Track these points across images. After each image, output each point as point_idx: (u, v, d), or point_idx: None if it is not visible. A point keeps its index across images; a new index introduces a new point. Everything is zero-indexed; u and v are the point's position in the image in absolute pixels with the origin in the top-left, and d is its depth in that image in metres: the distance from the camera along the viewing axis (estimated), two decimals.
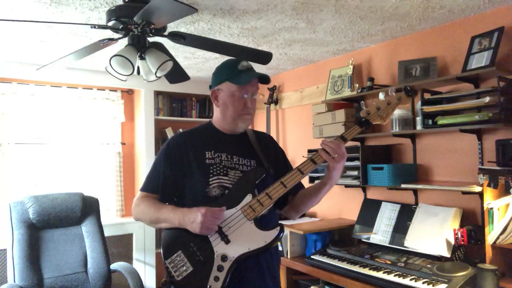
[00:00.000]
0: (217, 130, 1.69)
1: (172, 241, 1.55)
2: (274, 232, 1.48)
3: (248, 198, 1.52)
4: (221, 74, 1.63)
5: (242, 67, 1.60)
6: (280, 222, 1.58)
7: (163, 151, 1.66)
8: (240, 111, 1.60)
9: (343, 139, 1.53)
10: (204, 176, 1.57)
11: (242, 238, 1.48)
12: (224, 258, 1.46)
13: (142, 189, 1.67)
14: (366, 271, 2.35)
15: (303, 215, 3.50)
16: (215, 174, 1.57)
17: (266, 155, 1.69)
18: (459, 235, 2.20)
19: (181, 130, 2.98)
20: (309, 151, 3.25)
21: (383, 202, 2.80)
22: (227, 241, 1.48)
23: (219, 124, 1.68)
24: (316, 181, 1.83)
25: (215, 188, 1.55)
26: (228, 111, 1.61)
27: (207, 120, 1.77)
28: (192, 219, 1.45)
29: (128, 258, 3.81)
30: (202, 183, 1.56)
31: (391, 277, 2.22)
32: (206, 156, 1.60)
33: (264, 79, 1.63)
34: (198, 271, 1.48)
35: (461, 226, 2.32)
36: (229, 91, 1.59)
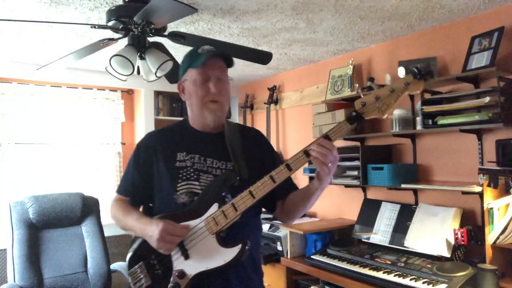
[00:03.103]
0: (192, 129, 1.53)
1: (136, 251, 1.45)
2: (234, 251, 1.31)
3: (214, 208, 1.35)
4: (184, 63, 1.49)
5: (202, 50, 1.42)
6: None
7: (133, 153, 1.55)
8: (203, 98, 1.43)
9: (328, 138, 1.29)
10: (172, 181, 1.43)
11: (202, 255, 1.34)
12: (181, 275, 1.33)
13: (116, 191, 1.58)
14: (366, 271, 2.35)
15: (303, 215, 3.50)
16: (184, 178, 1.43)
17: (249, 156, 1.50)
18: (459, 235, 2.20)
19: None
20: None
21: (383, 202, 2.80)
22: (186, 256, 1.35)
23: (193, 121, 1.53)
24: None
25: (183, 195, 1.41)
26: (193, 102, 1.46)
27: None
28: (151, 233, 1.33)
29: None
30: (169, 188, 1.43)
31: (391, 277, 2.22)
32: (177, 158, 1.46)
33: (226, 58, 1.46)
34: (155, 286, 1.38)
35: (461, 226, 2.32)
36: (191, 78, 1.44)
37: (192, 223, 1.36)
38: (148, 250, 1.39)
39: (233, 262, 1.32)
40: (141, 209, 1.57)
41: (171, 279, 1.35)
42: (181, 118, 4.23)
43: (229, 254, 1.32)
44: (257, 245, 1.60)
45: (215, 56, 1.44)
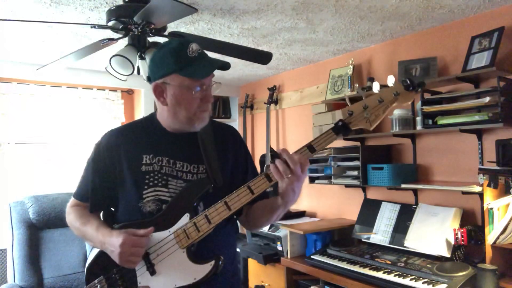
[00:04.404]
0: (161, 128, 1.36)
1: (95, 263, 1.31)
2: (206, 268, 1.21)
3: (185, 219, 1.23)
4: (166, 63, 1.24)
5: (192, 52, 1.23)
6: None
7: (92, 154, 1.39)
8: (195, 109, 1.27)
9: (311, 149, 1.19)
10: (137, 187, 1.29)
11: (170, 271, 1.21)
12: None
13: (73, 195, 1.44)
14: (366, 271, 2.35)
15: (303, 215, 3.50)
16: (151, 184, 1.29)
17: (222, 158, 1.37)
18: (459, 235, 2.20)
19: None
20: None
21: (383, 202, 2.80)
22: (152, 271, 1.22)
23: (166, 122, 1.35)
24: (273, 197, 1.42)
25: (149, 203, 1.28)
26: (181, 111, 1.27)
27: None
28: (112, 247, 1.20)
29: None
30: (134, 195, 1.29)
31: (391, 277, 2.22)
32: (143, 161, 1.31)
33: (226, 66, 1.29)
34: None
35: (461, 226, 2.32)
36: (180, 85, 1.24)
37: (159, 235, 1.23)
38: (109, 263, 1.25)
39: (205, 280, 1.21)
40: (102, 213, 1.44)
41: None
42: None
43: (200, 271, 1.21)
44: (233, 255, 1.44)
45: (213, 70, 1.27)
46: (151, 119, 1.41)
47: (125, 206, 1.34)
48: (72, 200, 1.44)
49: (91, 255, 1.34)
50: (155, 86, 1.29)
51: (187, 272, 1.21)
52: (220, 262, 1.22)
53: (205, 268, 1.21)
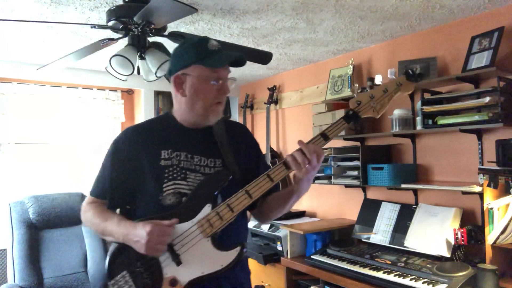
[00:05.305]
0: (177, 124, 1.42)
1: (118, 259, 1.32)
2: (233, 254, 1.27)
3: (207, 209, 1.29)
4: (187, 55, 1.33)
5: (212, 46, 1.33)
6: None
7: (110, 151, 1.42)
8: (212, 100, 1.34)
9: (325, 137, 1.29)
10: (157, 181, 1.33)
11: (196, 260, 1.26)
12: (173, 282, 1.25)
13: (90, 193, 1.45)
14: (366, 271, 2.35)
15: (303, 215, 3.50)
16: (170, 178, 1.33)
17: (236, 152, 1.43)
18: (459, 235, 2.20)
19: None
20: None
21: (383, 202, 2.80)
22: (178, 262, 1.26)
23: (182, 116, 1.41)
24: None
25: (170, 196, 1.32)
26: (198, 101, 1.34)
27: None
28: (137, 237, 1.23)
29: None
30: (155, 189, 1.33)
31: (391, 277, 2.22)
32: (161, 156, 1.36)
33: (241, 61, 1.37)
34: None
35: (461, 226, 2.32)
36: (200, 75, 1.32)
37: (182, 226, 1.27)
38: (131, 257, 1.29)
39: (230, 266, 1.27)
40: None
41: (162, 287, 1.26)
42: None
43: (226, 257, 1.27)
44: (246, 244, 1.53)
45: (232, 61, 1.35)
46: (167, 116, 1.46)
47: (144, 200, 1.37)
48: (88, 197, 1.46)
49: (108, 255, 1.35)
50: (175, 77, 1.36)
51: (213, 259, 1.26)
52: (244, 249, 1.29)
53: (231, 255, 1.27)
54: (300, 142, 1.28)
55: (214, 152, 1.40)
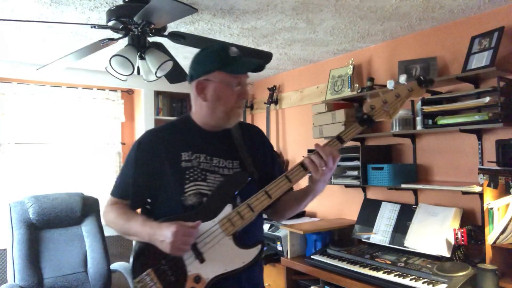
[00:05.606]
0: (197, 126, 1.47)
1: (142, 257, 1.38)
2: (254, 252, 1.34)
3: (228, 209, 1.34)
4: (209, 62, 1.40)
5: (234, 53, 1.39)
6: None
7: (133, 152, 1.46)
8: (233, 104, 1.40)
9: (340, 140, 1.35)
10: (179, 182, 1.38)
11: (219, 257, 1.32)
12: (197, 279, 1.31)
13: (112, 194, 1.49)
14: (366, 271, 2.35)
15: (303, 215, 3.50)
16: (191, 179, 1.38)
17: (252, 154, 1.48)
18: (459, 235, 2.20)
19: None
20: (309, 151, 3.25)
21: (383, 202, 2.80)
22: (201, 259, 1.31)
23: (203, 119, 1.46)
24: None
25: (191, 196, 1.37)
26: (220, 106, 1.40)
27: None
28: (162, 237, 1.28)
29: (128, 258, 3.78)
30: (176, 190, 1.37)
31: (391, 277, 2.22)
32: (182, 158, 1.40)
33: (260, 67, 1.43)
34: None
35: (461, 226, 2.32)
36: (222, 81, 1.38)
37: (205, 225, 1.32)
38: (156, 256, 1.33)
39: (252, 263, 1.33)
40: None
41: (186, 284, 1.31)
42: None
43: (248, 255, 1.33)
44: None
45: (252, 67, 1.42)
46: (186, 119, 1.51)
47: (166, 201, 1.41)
48: (110, 198, 1.49)
49: (133, 253, 1.40)
50: (197, 83, 1.41)
51: (235, 257, 1.32)
52: (265, 247, 1.36)
53: (252, 252, 1.33)
54: (317, 145, 1.34)
55: (232, 154, 1.45)
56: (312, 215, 3.53)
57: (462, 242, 2.19)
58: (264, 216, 1.58)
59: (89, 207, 3.19)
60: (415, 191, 2.71)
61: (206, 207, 1.36)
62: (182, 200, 1.37)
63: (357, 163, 2.82)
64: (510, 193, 2.04)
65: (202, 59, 1.42)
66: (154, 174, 1.41)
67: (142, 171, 1.43)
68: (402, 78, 1.31)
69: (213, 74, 1.38)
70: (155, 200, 1.44)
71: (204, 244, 1.32)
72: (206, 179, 1.39)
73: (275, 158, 1.62)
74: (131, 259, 1.40)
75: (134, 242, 1.44)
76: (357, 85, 3.01)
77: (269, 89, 3.97)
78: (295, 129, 3.84)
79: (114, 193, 1.49)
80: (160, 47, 2.28)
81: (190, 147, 1.42)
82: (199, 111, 1.46)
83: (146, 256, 1.37)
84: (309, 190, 1.45)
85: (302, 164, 1.34)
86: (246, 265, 1.32)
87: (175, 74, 2.61)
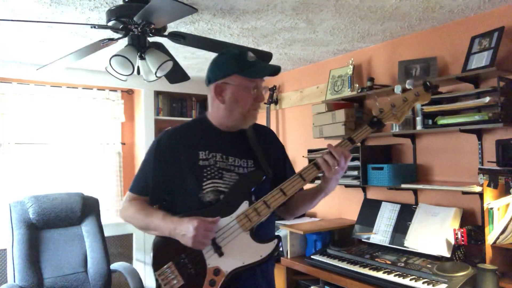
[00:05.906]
0: (213, 127, 1.53)
1: (162, 251, 1.44)
2: (271, 246, 1.40)
3: (245, 205, 1.41)
4: (228, 66, 1.46)
5: (251, 58, 1.46)
6: (277, 231, 1.52)
7: (153, 150, 1.52)
8: (250, 107, 1.47)
9: (351, 141, 1.42)
10: (197, 180, 1.44)
11: (237, 251, 1.38)
12: (217, 272, 1.37)
13: (131, 190, 1.54)
14: (366, 271, 2.35)
15: (303, 215, 3.50)
16: (209, 177, 1.44)
17: (266, 153, 1.55)
18: (459, 235, 2.20)
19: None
20: (309, 151, 3.26)
21: (383, 202, 2.80)
22: (220, 253, 1.38)
23: (219, 120, 1.52)
24: (317, 181, 1.73)
25: (209, 193, 1.43)
26: (237, 108, 1.46)
27: None
28: (184, 231, 1.33)
29: (128, 258, 3.81)
30: (195, 187, 1.44)
31: (391, 277, 2.22)
32: (199, 156, 1.47)
33: (275, 72, 1.49)
34: (189, 285, 1.38)
35: (461, 226, 2.32)
36: (240, 85, 1.44)
37: (223, 221, 1.39)
38: (176, 249, 1.40)
39: (269, 257, 1.39)
40: None
41: (206, 277, 1.37)
42: (181, 118, 4.27)
43: (265, 249, 1.39)
44: None
45: (269, 72, 1.48)
46: (202, 119, 1.57)
47: (184, 197, 1.47)
48: (129, 194, 1.54)
49: (153, 247, 1.46)
50: (215, 86, 1.47)
51: (253, 250, 1.38)
52: (281, 242, 1.42)
53: (269, 246, 1.39)
54: (329, 145, 1.40)
55: (247, 153, 1.52)
56: (312, 215, 3.53)
57: (462, 242, 2.19)
58: None
59: (89, 207, 3.19)
60: (415, 191, 2.71)
61: (223, 203, 1.42)
62: (200, 197, 1.43)
63: (357, 163, 2.82)
64: (510, 193, 2.04)
65: (220, 63, 1.48)
66: (172, 171, 1.47)
67: (162, 168, 1.48)
68: (410, 83, 1.39)
69: (231, 78, 1.44)
70: (174, 197, 1.50)
71: (222, 239, 1.38)
72: (223, 177, 1.45)
73: (286, 157, 1.68)
74: (152, 253, 1.45)
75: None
76: (357, 85, 3.01)
77: (269, 89, 3.97)
78: (295, 129, 3.84)
79: (133, 189, 1.54)
80: (160, 47, 2.28)
81: (207, 146, 1.49)
82: (216, 112, 1.52)
83: (167, 250, 1.42)
84: (321, 188, 1.50)
85: (315, 164, 1.40)
86: (263, 258, 1.38)
87: (175, 74, 2.62)
